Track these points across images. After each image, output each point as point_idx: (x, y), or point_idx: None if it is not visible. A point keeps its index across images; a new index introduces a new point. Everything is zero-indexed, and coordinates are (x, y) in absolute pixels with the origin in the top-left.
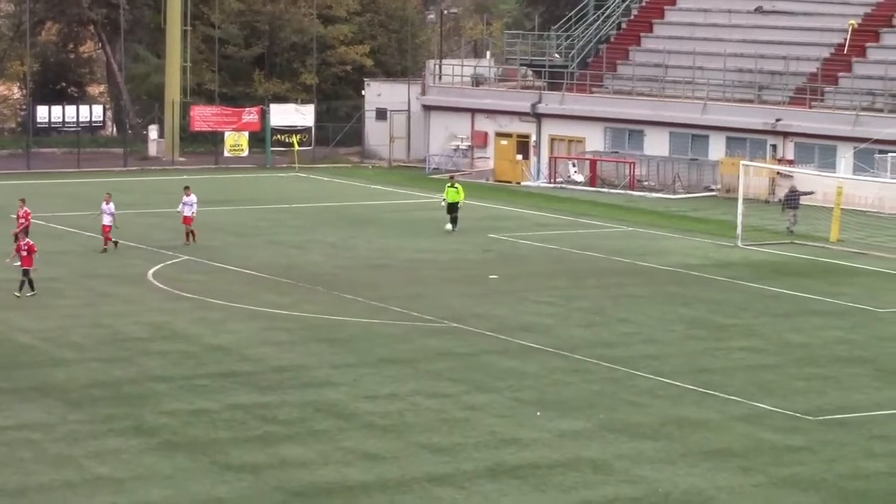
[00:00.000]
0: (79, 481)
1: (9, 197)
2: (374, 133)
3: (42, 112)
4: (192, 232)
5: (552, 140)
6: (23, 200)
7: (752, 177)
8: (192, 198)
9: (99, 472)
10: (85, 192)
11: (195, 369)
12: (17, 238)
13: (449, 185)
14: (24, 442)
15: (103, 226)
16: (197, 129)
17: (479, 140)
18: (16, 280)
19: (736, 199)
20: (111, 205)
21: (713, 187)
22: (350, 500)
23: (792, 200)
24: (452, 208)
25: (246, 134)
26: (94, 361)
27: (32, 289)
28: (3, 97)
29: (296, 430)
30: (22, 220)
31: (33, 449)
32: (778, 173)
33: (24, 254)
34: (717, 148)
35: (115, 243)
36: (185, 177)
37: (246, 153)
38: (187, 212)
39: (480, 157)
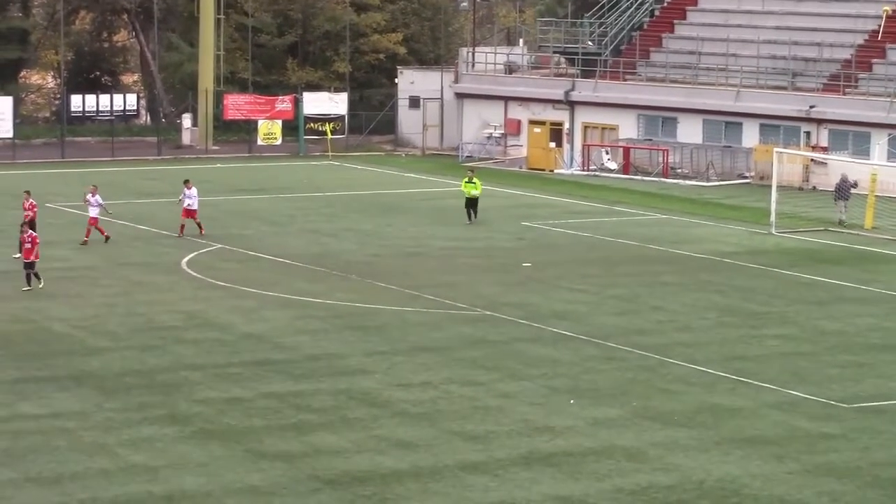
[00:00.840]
0: (114, 469)
1: (43, 185)
2: (407, 121)
3: (76, 101)
4: (198, 224)
5: (585, 127)
6: (28, 192)
7: (786, 164)
8: (193, 191)
9: (134, 460)
10: (119, 181)
11: (229, 357)
12: (22, 230)
13: (466, 179)
14: (59, 430)
15: (90, 218)
16: (230, 117)
17: (513, 128)
18: (53, 268)
19: (769, 187)
20: (97, 196)
21: (747, 174)
22: (383, 488)
23: (843, 191)
24: (472, 203)
25: (279, 122)
26: (128, 350)
27: (39, 279)
28: (37, 86)
29: (329, 419)
30: (28, 213)
31: (68, 437)
32: (812, 160)
33: (28, 246)
34: (750, 135)
35: (107, 238)
36: (217, 165)
37: (279, 141)
38: (190, 205)
39: (513, 145)
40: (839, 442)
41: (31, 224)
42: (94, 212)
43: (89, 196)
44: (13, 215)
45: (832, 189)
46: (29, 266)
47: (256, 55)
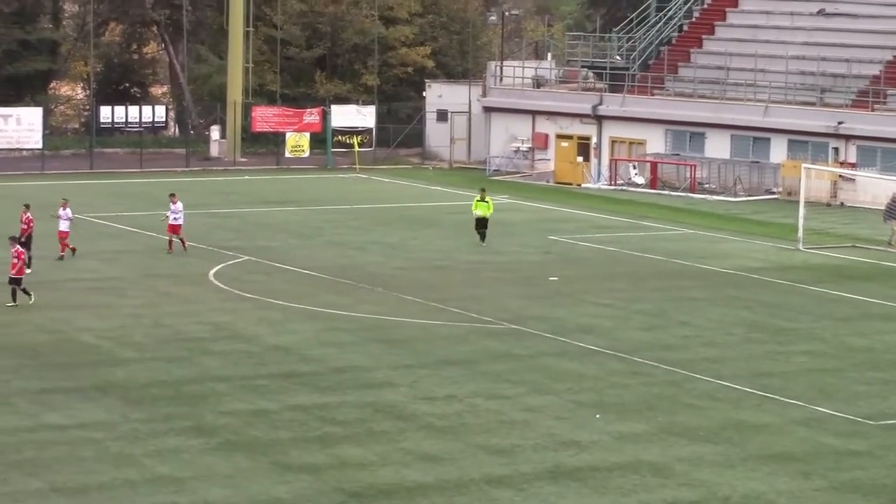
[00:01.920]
0: (139, 480)
1: (72, 196)
2: (435, 134)
3: (105, 112)
4: (181, 240)
5: (613, 142)
6: (27, 206)
7: (814, 180)
8: (179, 205)
9: (160, 471)
10: (147, 192)
11: (255, 369)
12: (19, 243)
13: (478, 198)
14: (85, 441)
15: (60, 232)
16: (258, 129)
17: (540, 142)
18: (81, 279)
19: (797, 202)
20: (68, 210)
21: (774, 190)
22: (408, 502)
23: (894, 210)
24: (481, 223)
25: (307, 135)
26: (155, 361)
27: (29, 295)
28: (67, 97)
29: (355, 431)
30: (24, 227)
31: (94, 448)
32: (840, 176)
33: (14, 261)
34: (778, 151)
35: (73, 250)
36: (245, 177)
37: (307, 154)
38: (176, 220)
39: (541, 159)
40: (865, 459)
41: (28, 239)
42: (63, 225)
43: (60, 210)
44: (41, 227)
45: (861, 205)
46: (15, 282)
47: (285, 68)
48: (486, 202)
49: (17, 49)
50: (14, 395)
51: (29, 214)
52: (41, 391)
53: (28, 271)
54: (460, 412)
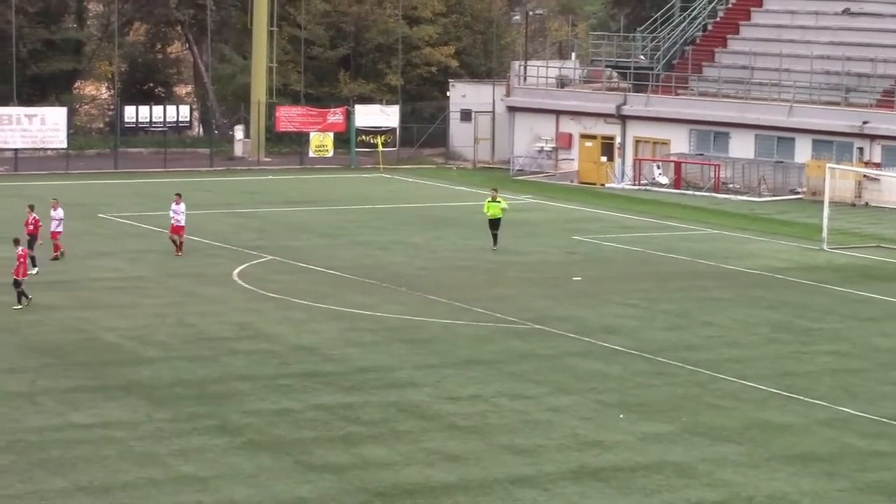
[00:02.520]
0: (163, 479)
1: (97, 196)
2: (459, 134)
3: (129, 112)
4: (175, 242)
5: (637, 142)
6: (31, 207)
7: (839, 180)
8: (182, 206)
9: (183, 470)
10: (171, 192)
11: (279, 369)
12: (30, 245)
13: (490, 199)
14: (109, 440)
15: (52, 232)
16: (282, 129)
17: (564, 141)
18: (105, 278)
19: (822, 202)
20: (59, 210)
21: (799, 190)
22: (432, 501)
23: None
24: (494, 224)
25: (331, 135)
26: (179, 360)
27: (27, 297)
28: (91, 97)
29: (379, 431)
30: (31, 228)
31: (118, 447)
32: (865, 176)
33: (17, 263)
34: (803, 150)
35: (63, 253)
36: (269, 177)
37: (331, 154)
38: (178, 220)
39: (565, 159)
40: (891, 460)
41: (31, 240)
42: (54, 226)
43: (52, 211)
44: (67, 226)
45: (886, 205)
46: (16, 284)
47: (309, 67)
48: (499, 202)
49: (42, 49)
50: (39, 394)
51: (35, 215)
52: (66, 390)
53: (33, 272)
54: (484, 412)
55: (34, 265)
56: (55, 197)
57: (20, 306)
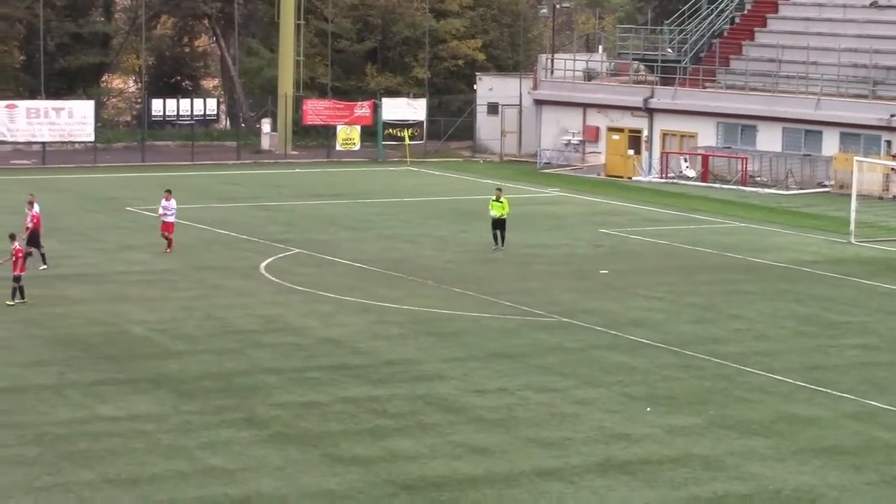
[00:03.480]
0: (191, 472)
1: (124, 189)
2: (486, 127)
3: (157, 105)
4: (167, 239)
5: (664, 135)
6: (32, 200)
7: (866, 173)
8: (172, 203)
9: (211, 462)
10: (198, 185)
11: (306, 362)
12: (31, 241)
13: (494, 198)
14: (137, 433)
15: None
16: (309, 122)
17: (591, 135)
18: (132, 271)
19: (849, 196)
20: (36, 207)
21: (826, 183)
22: (459, 494)
23: None
24: (499, 224)
25: (358, 128)
26: (206, 353)
27: (22, 295)
28: (118, 90)
29: (406, 424)
30: (30, 223)
31: (146, 439)
32: (892, 170)
33: (13, 258)
34: (830, 144)
35: (29, 253)
36: (296, 170)
37: (358, 147)
38: (167, 217)
39: (592, 152)
40: None
41: (35, 235)
42: (30, 222)
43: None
44: (94, 219)
45: None
46: (16, 279)
47: (336, 60)
48: (502, 202)
49: (70, 42)
50: (67, 387)
51: (36, 210)
52: (94, 383)
53: (43, 267)
54: (511, 405)
55: (44, 262)
56: (32, 192)
57: (12, 303)
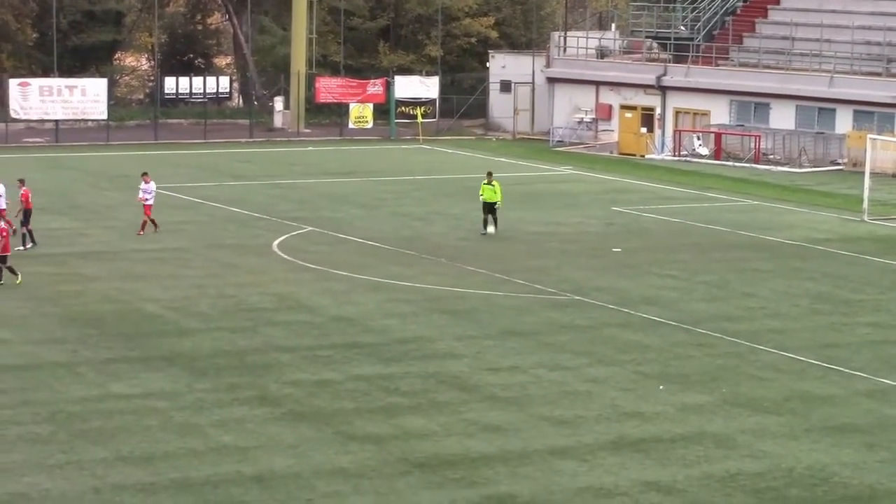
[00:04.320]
0: (204, 449)
1: (137, 167)
2: (499, 105)
3: (169, 83)
4: (152, 221)
5: (677, 113)
6: (22, 181)
7: (880, 151)
8: (151, 185)
9: (224, 440)
10: (211, 163)
11: (319, 340)
12: (23, 222)
13: (485, 181)
14: (150, 410)
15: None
16: (322, 100)
17: (604, 112)
18: (146, 249)
19: (862, 174)
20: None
21: (839, 161)
22: (472, 472)
23: None
24: (489, 208)
25: (370, 106)
26: (219, 331)
27: (16, 274)
28: (131, 68)
29: (418, 402)
30: (24, 203)
31: (159, 417)
32: None
33: (6, 237)
34: (843, 121)
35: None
36: (309, 148)
37: (370, 125)
38: (147, 200)
39: (605, 130)
40: None
41: (28, 214)
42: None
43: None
44: (108, 197)
45: None
46: (1, 260)
47: (348, 38)
48: (493, 186)
49: (83, 20)
50: (81, 364)
51: (25, 188)
52: (107, 361)
53: (26, 247)
54: (524, 383)
55: (32, 240)
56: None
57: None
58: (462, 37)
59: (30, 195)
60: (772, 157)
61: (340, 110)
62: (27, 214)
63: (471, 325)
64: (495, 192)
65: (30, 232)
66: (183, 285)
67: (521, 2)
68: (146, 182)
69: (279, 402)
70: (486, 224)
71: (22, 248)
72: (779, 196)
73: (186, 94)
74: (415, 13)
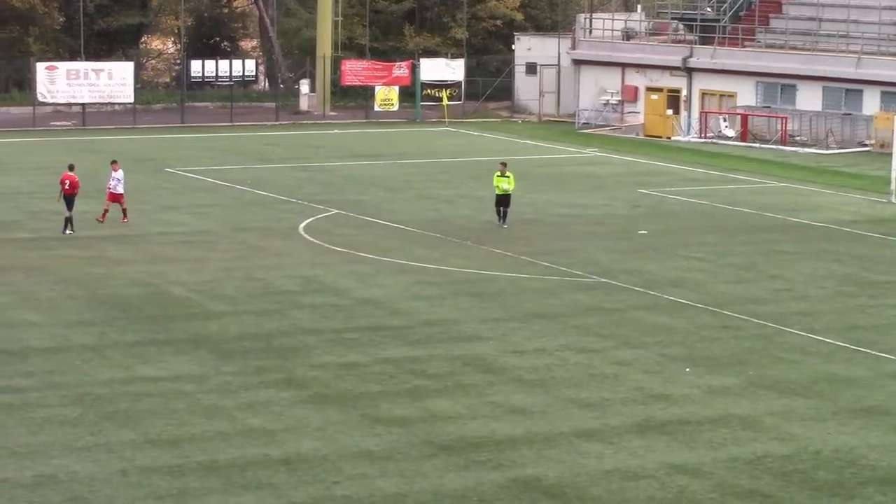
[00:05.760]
0: (231, 432)
1: (163, 150)
2: (524, 88)
3: (196, 66)
4: (123, 210)
5: (703, 94)
6: (70, 166)
7: None
8: (120, 173)
9: (251, 423)
10: (237, 146)
11: (345, 322)
12: (68, 205)
13: (498, 173)
14: (177, 393)
15: (115, 194)
16: (348, 83)
17: (630, 94)
18: (172, 232)
19: (890, 155)
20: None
21: (867, 142)
22: (498, 454)
23: None
24: (503, 200)
25: (396, 88)
26: (246, 314)
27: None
28: (158, 52)
29: (444, 384)
30: (66, 187)
31: (187, 400)
32: None
33: None
34: (871, 102)
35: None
36: (335, 131)
37: (396, 108)
38: (115, 187)
39: (630, 112)
40: None
41: (69, 200)
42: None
43: (113, 172)
44: (132, 180)
45: None
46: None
47: (374, 21)
48: (508, 177)
49: (109, 4)
50: (108, 347)
51: (69, 174)
52: (134, 344)
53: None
54: (550, 365)
55: (71, 227)
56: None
57: None
58: (487, 19)
59: (73, 181)
60: (798, 138)
61: (366, 93)
62: (69, 200)
63: (497, 308)
64: (510, 183)
65: (66, 220)
66: (209, 268)
67: None
68: (115, 170)
69: (306, 385)
70: (499, 216)
71: (70, 231)
72: (805, 178)
73: (213, 77)
74: None
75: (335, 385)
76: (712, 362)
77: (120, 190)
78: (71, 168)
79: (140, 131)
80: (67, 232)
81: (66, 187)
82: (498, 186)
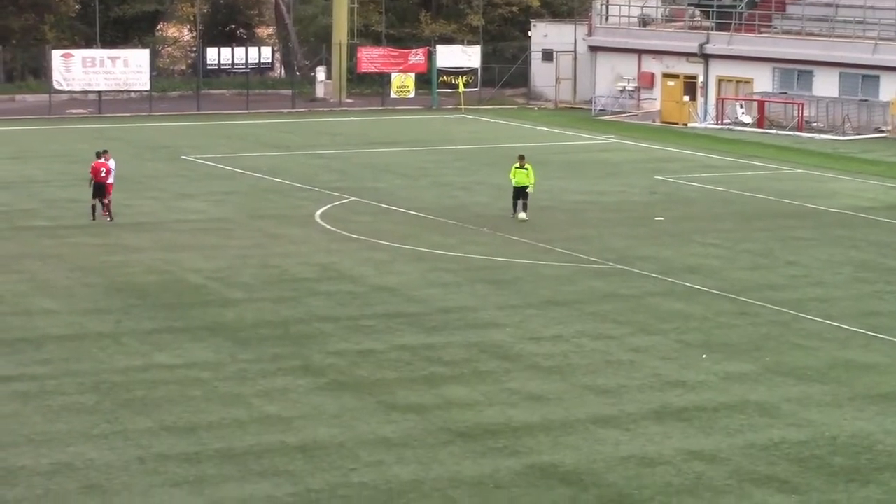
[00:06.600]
0: (248, 420)
1: (180, 138)
2: (540, 74)
3: (212, 54)
4: (107, 203)
5: (720, 81)
6: (99, 153)
7: None
8: (112, 163)
9: (267, 410)
10: (253, 133)
11: (362, 310)
12: (97, 193)
13: (517, 165)
14: (194, 380)
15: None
16: (364, 70)
17: (646, 81)
18: (189, 220)
19: None
20: (112, 161)
21: (884, 128)
22: (514, 441)
23: None
24: (521, 193)
25: (412, 75)
26: (262, 301)
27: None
28: (174, 39)
29: (461, 371)
30: (102, 176)
31: (203, 387)
32: None
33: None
34: (888, 88)
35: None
36: (351, 118)
37: (412, 95)
38: (109, 179)
39: (647, 99)
40: None
41: (99, 188)
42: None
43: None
44: (149, 167)
45: None
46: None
47: (390, 8)
48: (526, 170)
49: None
50: (124, 334)
51: (101, 161)
52: (151, 331)
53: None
54: (566, 352)
55: (93, 215)
56: (105, 149)
57: None
58: (504, 6)
59: (102, 170)
60: (815, 124)
61: (382, 80)
62: (97, 188)
63: (513, 295)
64: (528, 176)
65: (94, 207)
66: (226, 255)
67: None
68: (106, 160)
69: (322, 372)
70: (515, 208)
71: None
72: (822, 164)
73: (228, 64)
74: None
75: (351, 372)
76: (729, 349)
77: (110, 180)
78: (102, 154)
79: (156, 119)
80: (107, 220)
81: (102, 175)
82: (516, 179)
